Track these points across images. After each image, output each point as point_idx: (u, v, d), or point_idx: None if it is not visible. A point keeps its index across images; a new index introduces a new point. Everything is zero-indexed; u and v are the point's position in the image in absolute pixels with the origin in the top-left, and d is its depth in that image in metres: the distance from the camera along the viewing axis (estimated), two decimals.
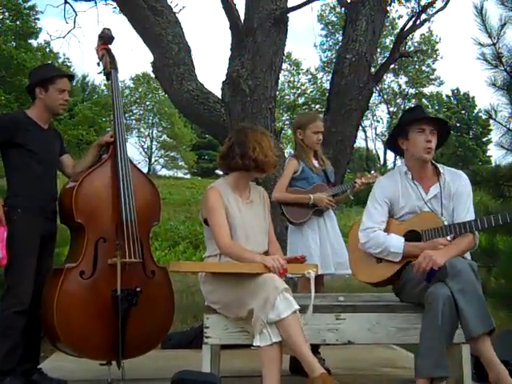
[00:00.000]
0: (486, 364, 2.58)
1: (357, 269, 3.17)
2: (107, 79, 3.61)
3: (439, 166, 3.06)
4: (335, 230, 3.69)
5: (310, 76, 33.11)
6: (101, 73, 3.60)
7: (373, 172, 4.17)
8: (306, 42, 46.07)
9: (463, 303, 2.58)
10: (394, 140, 3.10)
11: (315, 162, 3.71)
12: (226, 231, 2.87)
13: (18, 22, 20.44)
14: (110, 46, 3.62)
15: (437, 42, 31.86)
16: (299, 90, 33.41)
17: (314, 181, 3.65)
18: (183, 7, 6.74)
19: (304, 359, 2.56)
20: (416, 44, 29.91)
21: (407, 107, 35.14)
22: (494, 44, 4.46)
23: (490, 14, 4.43)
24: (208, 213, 2.93)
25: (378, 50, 23.45)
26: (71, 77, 3.51)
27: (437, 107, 36.34)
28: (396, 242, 2.92)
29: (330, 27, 31.32)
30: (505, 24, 4.37)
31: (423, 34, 30.18)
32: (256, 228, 2.99)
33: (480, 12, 4.43)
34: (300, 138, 3.68)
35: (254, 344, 2.62)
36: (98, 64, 3.62)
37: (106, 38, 3.62)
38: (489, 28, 4.41)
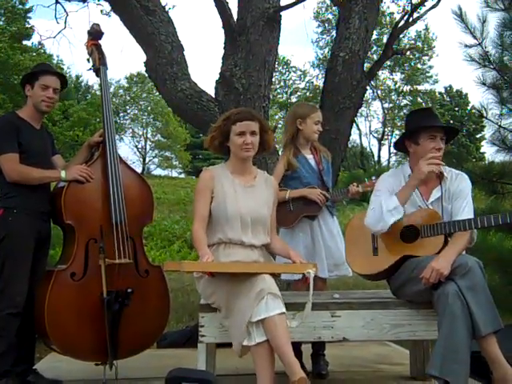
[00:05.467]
0: (491, 363, 2.58)
1: (353, 261, 3.17)
2: (96, 75, 3.57)
3: (443, 168, 3.01)
4: (332, 231, 3.57)
5: (299, 73, 33.09)
6: (90, 69, 3.57)
7: (373, 178, 4.12)
8: (295, 40, 46.29)
9: (472, 301, 2.58)
10: (401, 140, 3.08)
11: (309, 157, 3.62)
12: (200, 219, 2.94)
13: (12, 23, 20.22)
14: (99, 42, 3.58)
15: (433, 40, 31.87)
16: (291, 89, 33.38)
17: (308, 181, 3.56)
18: (173, 6, 6.68)
19: (285, 361, 2.55)
20: (412, 42, 29.89)
21: (402, 104, 35.29)
22: (479, 44, 4.47)
23: (469, 17, 4.46)
24: (194, 195, 3.06)
25: (375, 47, 23.49)
26: (60, 75, 3.40)
27: (430, 104, 36.34)
28: (390, 203, 2.90)
29: (326, 25, 31.29)
30: (485, 21, 4.39)
31: (419, 31, 30.21)
32: (253, 214, 2.95)
33: (460, 15, 4.45)
34: (300, 129, 3.59)
35: (240, 343, 2.63)
36: (88, 60, 3.58)
37: (94, 34, 3.59)
38: (472, 28, 4.42)
